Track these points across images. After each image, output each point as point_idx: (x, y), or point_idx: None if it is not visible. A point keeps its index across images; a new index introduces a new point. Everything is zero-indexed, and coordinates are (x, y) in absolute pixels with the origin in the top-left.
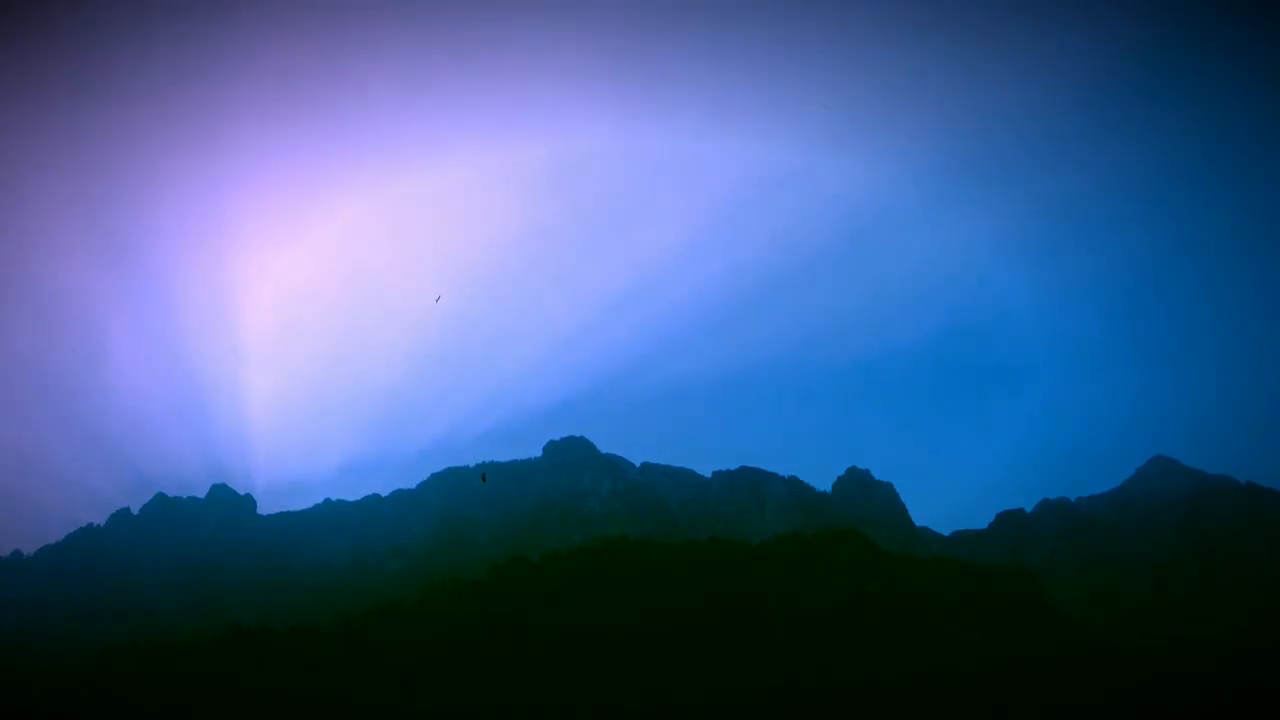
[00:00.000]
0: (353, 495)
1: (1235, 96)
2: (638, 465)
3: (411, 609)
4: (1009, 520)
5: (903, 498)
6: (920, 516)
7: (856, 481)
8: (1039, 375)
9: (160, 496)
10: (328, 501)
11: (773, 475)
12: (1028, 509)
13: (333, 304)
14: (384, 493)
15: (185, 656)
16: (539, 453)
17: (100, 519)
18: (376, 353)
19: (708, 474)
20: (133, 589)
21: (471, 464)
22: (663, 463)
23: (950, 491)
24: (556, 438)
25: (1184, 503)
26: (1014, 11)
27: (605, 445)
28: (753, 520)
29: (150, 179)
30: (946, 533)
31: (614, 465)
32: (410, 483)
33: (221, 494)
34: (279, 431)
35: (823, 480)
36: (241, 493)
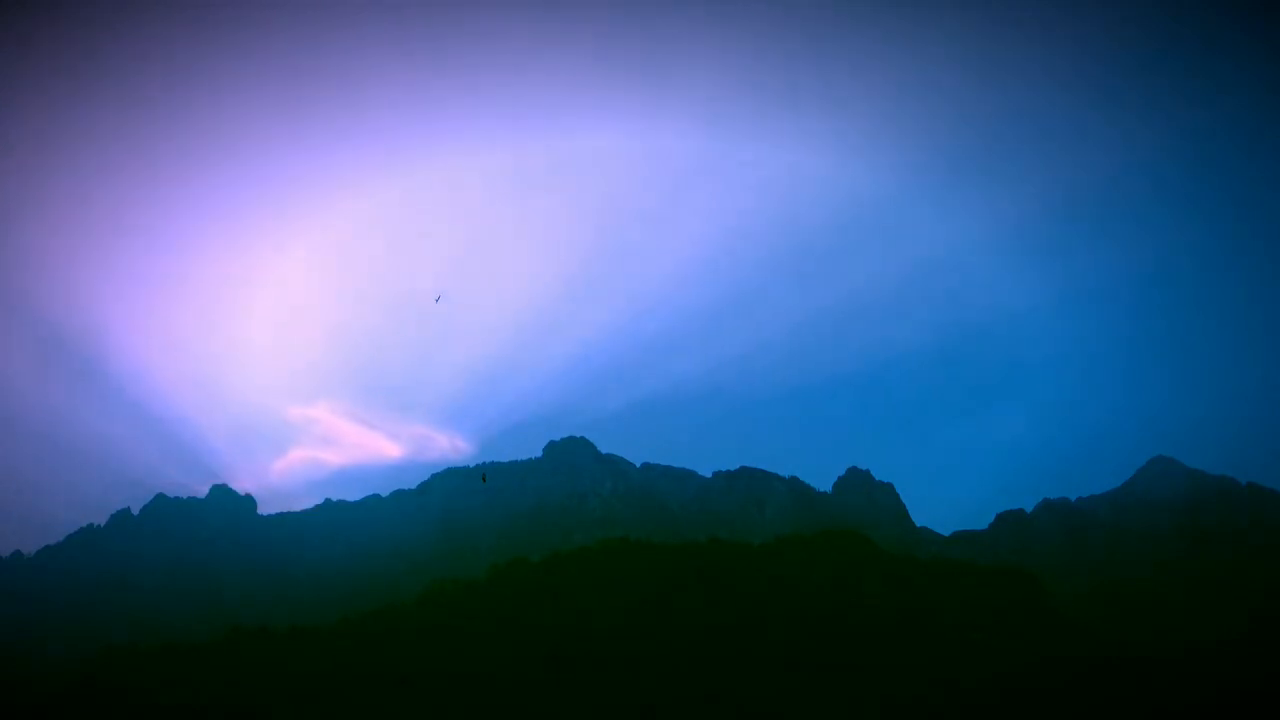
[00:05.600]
0: (353, 496)
1: (1234, 97)
2: (638, 465)
3: (411, 609)
4: (1009, 520)
5: (903, 498)
6: (920, 516)
7: (856, 481)
8: (1039, 375)
9: (160, 497)
10: (328, 502)
11: (773, 475)
12: (1028, 509)
13: (332, 304)
14: (384, 493)
15: (185, 656)
16: (539, 453)
17: (100, 519)
18: (375, 352)
19: (708, 474)
20: (133, 589)
21: (471, 464)
22: (663, 463)
23: (950, 491)
24: (556, 438)
25: (1184, 503)
26: (1018, 7)
27: (605, 445)
28: (753, 520)
29: (149, 180)
30: (946, 533)
31: (614, 465)
32: (410, 483)
33: (221, 494)
34: (280, 431)
35: (823, 480)
36: (241, 493)
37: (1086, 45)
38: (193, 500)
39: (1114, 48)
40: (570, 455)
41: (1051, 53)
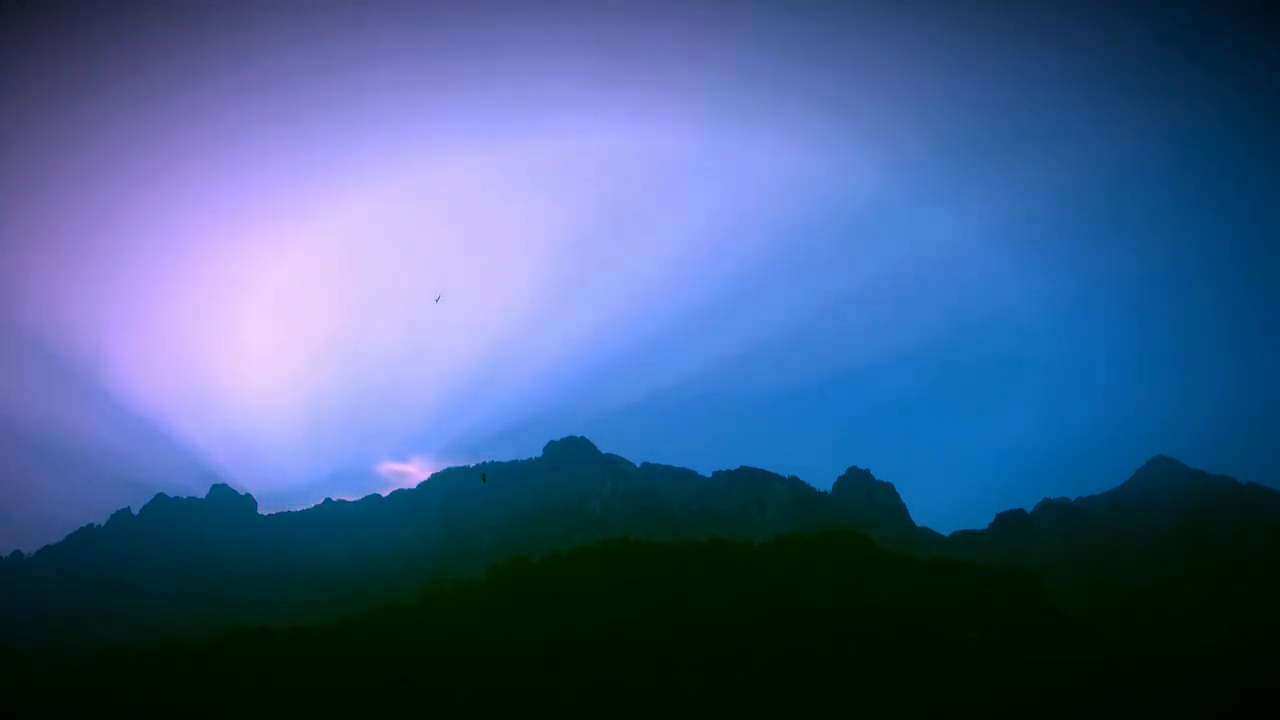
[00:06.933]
0: (353, 495)
1: (1239, 97)
2: (638, 465)
3: (411, 609)
4: (1009, 520)
5: (903, 498)
6: (920, 516)
7: (856, 481)
8: (1040, 375)
9: (160, 497)
10: (328, 501)
11: (773, 475)
12: (1028, 509)
13: (333, 304)
14: (384, 493)
15: (185, 657)
16: (539, 453)
17: (100, 519)
18: (377, 353)
19: (708, 474)
20: (133, 589)
21: (472, 464)
22: (663, 463)
23: (950, 491)
24: (556, 438)
25: (1184, 503)
26: (1020, 4)
27: (605, 445)
28: (753, 520)
29: (148, 179)
30: (946, 533)
31: (614, 465)
32: (410, 483)
33: (222, 494)
34: (279, 432)
35: (823, 480)
36: (242, 493)
37: (1089, 42)
38: (193, 500)
39: (1119, 45)
40: (570, 455)
41: (1054, 50)
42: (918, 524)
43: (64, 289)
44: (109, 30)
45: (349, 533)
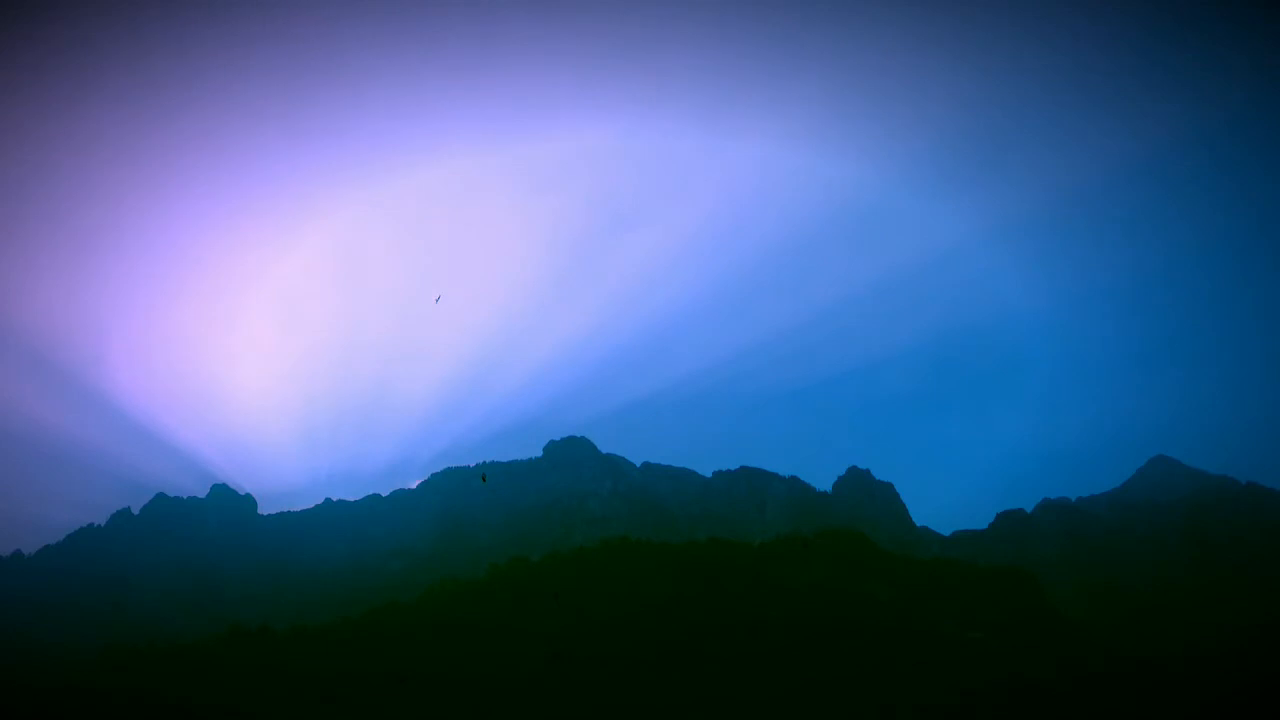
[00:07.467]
0: (353, 495)
1: (1240, 95)
2: (638, 465)
3: (411, 609)
4: (1009, 520)
5: (903, 498)
6: (920, 516)
7: (856, 481)
8: (1040, 375)
9: (160, 496)
10: (328, 501)
11: (773, 475)
12: (1028, 509)
13: (333, 304)
14: (384, 493)
15: (186, 657)
16: (539, 453)
17: (100, 519)
18: (376, 352)
19: (708, 474)
20: (133, 589)
21: (471, 464)
22: (663, 463)
23: (950, 491)
24: (556, 438)
25: (1184, 503)
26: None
27: (605, 445)
28: (753, 520)
29: (148, 179)
30: (946, 533)
31: (614, 465)
32: (409, 482)
33: (222, 494)
34: (279, 432)
35: (823, 480)
36: (242, 493)
37: (1089, 39)
38: (193, 500)
39: (1119, 42)
40: (570, 455)
41: (1054, 47)
42: (918, 524)
43: (64, 290)
44: (109, 30)
45: (349, 533)
